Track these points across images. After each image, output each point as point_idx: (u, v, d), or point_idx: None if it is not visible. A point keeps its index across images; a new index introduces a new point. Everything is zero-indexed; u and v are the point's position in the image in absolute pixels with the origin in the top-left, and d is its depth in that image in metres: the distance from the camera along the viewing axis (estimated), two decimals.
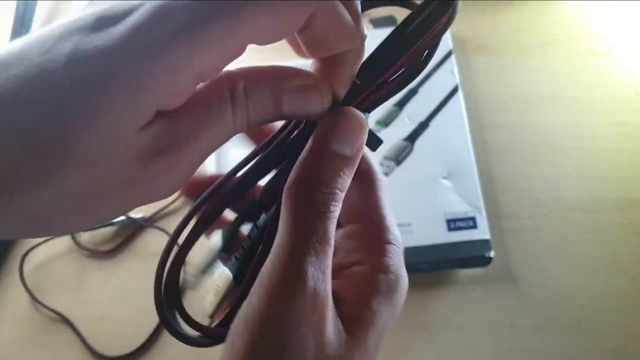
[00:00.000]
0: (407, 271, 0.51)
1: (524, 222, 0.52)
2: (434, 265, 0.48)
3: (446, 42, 0.55)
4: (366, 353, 0.24)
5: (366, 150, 0.24)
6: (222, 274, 0.26)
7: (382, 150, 0.51)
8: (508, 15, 0.60)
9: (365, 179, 0.26)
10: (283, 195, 0.22)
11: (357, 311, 0.24)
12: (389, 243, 0.26)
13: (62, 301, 0.51)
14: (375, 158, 0.51)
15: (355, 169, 0.23)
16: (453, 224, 0.49)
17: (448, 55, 0.55)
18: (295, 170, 0.22)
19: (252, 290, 0.21)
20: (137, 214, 0.53)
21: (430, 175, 0.50)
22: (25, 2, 0.58)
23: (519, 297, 0.50)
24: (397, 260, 0.26)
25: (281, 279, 0.21)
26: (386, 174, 0.51)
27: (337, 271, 0.25)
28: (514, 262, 0.51)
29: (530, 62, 0.58)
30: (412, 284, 0.51)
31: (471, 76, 0.57)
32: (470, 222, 0.49)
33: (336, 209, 0.22)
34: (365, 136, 0.23)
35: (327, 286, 0.22)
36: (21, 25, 0.58)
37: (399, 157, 0.51)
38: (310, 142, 0.22)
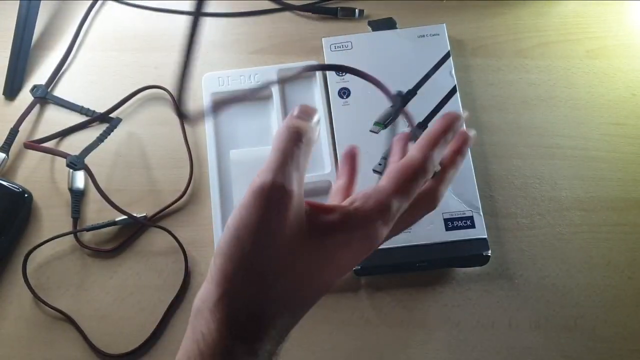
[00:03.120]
0: (407, 270, 0.52)
1: (521, 222, 0.53)
2: (432, 263, 0.49)
3: (444, 43, 0.56)
4: (321, 259, 0.27)
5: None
6: None
7: (381, 150, 0.52)
8: (505, 17, 0.61)
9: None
10: None
11: (322, 221, 0.28)
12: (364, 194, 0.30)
13: (64, 300, 0.52)
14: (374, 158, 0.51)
15: None
16: (451, 223, 0.49)
17: (446, 57, 0.55)
18: None
19: None
20: (139, 213, 0.53)
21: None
22: (29, 3, 0.58)
23: (515, 296, 0.50)
24: (365, 205, 0.29)
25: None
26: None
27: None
28: (510, 261, 0.51)
29: (527, 63, 0.59)
30: (411, 283, 0.52)
31: (469, 77, 0.58)
32: (467, 222, 0.49)
33: (300, 150, 0.27)
34: None
35: (292, 185, 0.27)
36: (24, 26, 0.58)
37: None
38: None
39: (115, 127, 0.56)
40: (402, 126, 0.53)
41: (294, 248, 0.27)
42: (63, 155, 0.52)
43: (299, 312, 0.28)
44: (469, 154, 0.52)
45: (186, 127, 0.57)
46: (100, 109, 0.58)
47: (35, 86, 0.59)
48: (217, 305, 0.25)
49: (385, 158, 0.51)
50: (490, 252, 0.49)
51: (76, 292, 0.52)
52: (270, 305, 0.26)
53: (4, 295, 0.52)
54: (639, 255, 0.51)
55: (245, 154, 0.54)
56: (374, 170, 0.51)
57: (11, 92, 0.60)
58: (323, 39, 0.57)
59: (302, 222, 0.27)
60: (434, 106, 0.53)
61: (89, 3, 0.63)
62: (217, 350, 0.25)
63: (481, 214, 0.50)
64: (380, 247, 0.49)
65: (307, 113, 0.29)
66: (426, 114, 0.53)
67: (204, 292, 0.27)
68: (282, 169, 0.27)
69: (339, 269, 0.29)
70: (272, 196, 0.26)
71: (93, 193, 0.54)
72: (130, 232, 0.54)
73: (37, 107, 0.59)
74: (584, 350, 0.49)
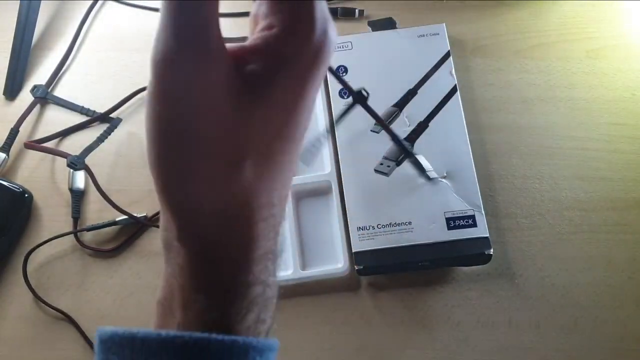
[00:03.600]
0: (409, 269, 0.52)
1: (521, 222, 0.53)
2: (434, 263, 0.49)
3: (444, 43, 0.56)
4: (273, 117, 0.22)
5: None
6: None
7: (382, 150, 0.52)
8: (505, 17, 0.61)
9: None
10: None
11: (258, 69, 0.22)
12: None
13: (65, 300, 0.52)
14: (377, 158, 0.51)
15: None
16: (453, 222, 0.49)
17: (446, 57, 0.55)
18: None
19: None
20: (139, 213, 0.53)
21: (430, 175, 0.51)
22: (29, 3, 0.58)
23: (516, 296, 0.50)
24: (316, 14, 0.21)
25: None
26: (386, 174, 0.51)
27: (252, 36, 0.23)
28: (511, 261, 0.51)
29: (527, 63, 0.59)
30: (411, 283, 0.52)
31: (469, 77, 0.58)
32: (469, 221, 0.49)
33: None
34: None
35: (209, 37, 0.20)
36: (24, 26, 0.58)
37: (399, 157, 0.51)
38: None
39: (116, 127, 0.56)
40: (403, 126, 0.53)
41: (232, 116, 0.21)
42: (63, 155, 0.52)
43: (280, 190, 0.23)
44: (469, 153, 0.52)
45: None
46: (101, 109, 0.58)
47: (35, 86, 0.58)
48: (180, 233, 0.21)
49: (387, 158, 0.51)
50: (492, 250, 0.49)
51: (76, 292, 0.52)
52: (244, 199, 0.21)
53: (4, 295, 0.52)
54: (639, 255, 0.51)
55: None
56: (376, 170, 0.51)
57: (11, 92, 0.60)
58: None
59: (229, 83, 0.21)
60: (435, 106, 0.53)
61: (89, 3, 0.63)
62: (195, 284, 0.21)
63: (483, 212, 0.50)
64: (381, 247, 0.50)
65: None
66: (426, 114, 0.53)
67: (163, 220, 0.23)
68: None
69: (296, 116, 0.22)
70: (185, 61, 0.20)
71: (93, 193, 0.54)
72: (131, 232, 0.54)
73: (37, 107, 0.59)
74: (584, 350, 0.49)
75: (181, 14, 0.20)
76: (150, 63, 0.21)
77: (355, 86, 0.55)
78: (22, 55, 0.59)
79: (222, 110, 0.21)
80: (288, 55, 0.21)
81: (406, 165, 0.51)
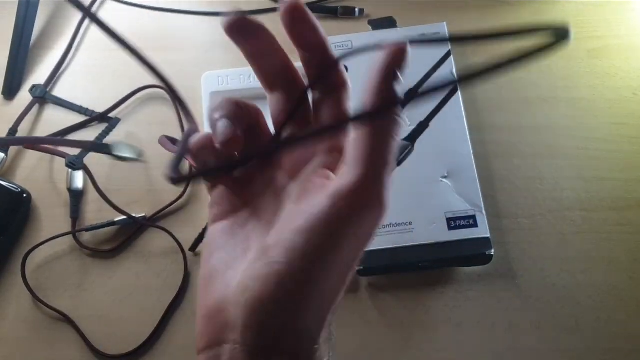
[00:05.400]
0: (409, 270, 0.51)
1: (523, 222, 0.53)
2: (435, 263, 0.49)
3: (445, 43, 0.56)
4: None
5: None
6: None
7: None
8: (506, 17, 0.61)
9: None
10: None
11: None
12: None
13: (64, 300, 0.51)
14: None
15: None
16: (453, 222, 0.49)
17: (447, 56, 0.55)
18: None
19: None
20: (138, 213, 0.53)
21: (431, 175, 0.51)
22: (28, 2, 0.58)
23: (517, 296, 0.50)
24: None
25: None
26: None
27: None
28: (512, 261, 0.51)
29: (528, 63, 0.58)
30: (411, 283, 0.52)
31: None
32: (470, 221, 0.49)
33: None
34: None
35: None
36: (23, 26, 0.58)
37: (399, 157, 0.51)
38: None
39: (115, 127, 0.56)
40: (403, 126, 0.52)
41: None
42: (62, 155, 0.52)
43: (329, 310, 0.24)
44: (470, 153, 0.51)
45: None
46: (100, 108, 0.58)
47: (34, 86, 0.58)
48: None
49: None
50: (493, 251, 0.48)
51: (75, 292, 0.52)
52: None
53: (3, 296, 0.52)
54: None
55: None
56: None
57: (10, 92, 0.59)
58: None
59: None
60: (436, 105, 0.53)
61: (88, 3, 0.63)
62: None
63: (484, 213, 0.49)
64: (381, 248, 0.49)
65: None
66: (427, 113, 0.53)
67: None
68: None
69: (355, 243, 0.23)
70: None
71: (92, 193, 0.54)
72: (130, 232, 0.53)
73: (36, 107, 0.58)
74: (584, 351, 0.48)
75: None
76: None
77: (356, 87, 0.55)
78: (21, 55, 0.59)
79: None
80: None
81: (406, 165, 0.51)
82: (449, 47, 0.55)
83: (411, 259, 0.48)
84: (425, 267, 0.49)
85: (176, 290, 0.51)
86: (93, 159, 0.53)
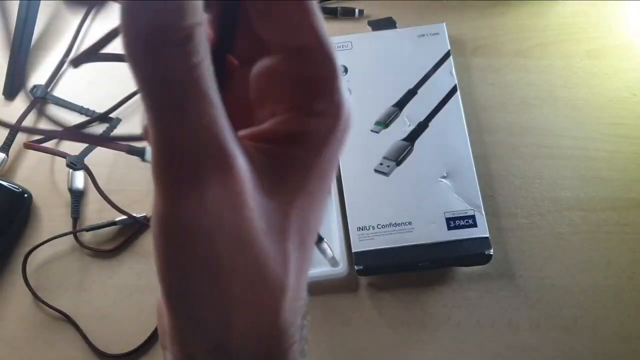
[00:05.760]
0: (409, 269, 0.51)
1: (521, 222, 0.53)
2: (434, 263, 0.49)
3: (444, 43, 0.56)
4: (302, 222, 0.19)
5: None
6: None
7: (383, 150, 0.52)
8: (505, 17, 0.61)
9: None
10: None
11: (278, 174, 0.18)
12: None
13: (64, 300, 0.51)
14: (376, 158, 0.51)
15: None
16: (453, 222, 0.49)
17: (446, 56, 0.55)
18: None
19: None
20: (138, 213, 0.53)
21: (430, 175, 0.51)
22: (28, 3, 0.58)
23: (516, 296, 0.50)
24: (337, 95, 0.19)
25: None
26: (386, 174, 0.51)
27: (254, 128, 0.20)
28: (511, 261, 0.51)
29: (527, 63, 0.59)
30: (411, 283, 0.52)
31: (469, 77, 0.58)
32: (469, 221, 0.49)
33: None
34: None
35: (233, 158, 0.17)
36: (24, 26, 0.58)
37: (399, 157, 0.51)
38: None
39: (115, 127, 0.56)
40: (403, 125, 0.53)
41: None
42: (63, 155, 0.52)
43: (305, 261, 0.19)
44: (469, 153, 0.51)
45: None
46: (100, 109, 0.58)
47: (35, 86, 0.58)
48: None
49: (387, 158, 0.51)
50: (492, 251, 0.49)
51: (76, 292, 0.52)
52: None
53: (4, 296, 0.52)
54: (639, 255, 0.51)
55: None
56: (376, 170, 0.51)
57: (11, 92, 0.60)
58: None
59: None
60: (435, 105, 0.53)
61: (88, 3, 0.63)
62: None
63: (483, 212, 0.49)
64: (381, 247, 0.49)
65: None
66: (426, 114, 0.53)
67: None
68: None
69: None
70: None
71: (93, 193, 0.54)
72: (130, 232, 0.54)
73: (36, 107, 0.59)
74: (584, 350, 0.48)
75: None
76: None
77: (356, 87, 0.55)
78: (22, 55, 0.59)
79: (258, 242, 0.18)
80: (318, 140, 0.19)
81: (406, 165, 0.51)
82: (448, 47, 0.56)
83: (410, 259, 0.49)
84: (425, 267, 0.49)
85: None
86: (94, 159, 0.53)
